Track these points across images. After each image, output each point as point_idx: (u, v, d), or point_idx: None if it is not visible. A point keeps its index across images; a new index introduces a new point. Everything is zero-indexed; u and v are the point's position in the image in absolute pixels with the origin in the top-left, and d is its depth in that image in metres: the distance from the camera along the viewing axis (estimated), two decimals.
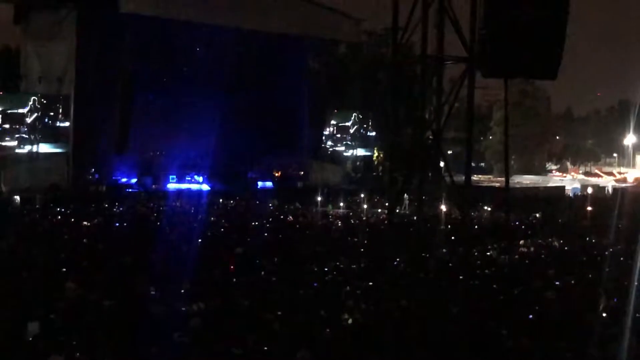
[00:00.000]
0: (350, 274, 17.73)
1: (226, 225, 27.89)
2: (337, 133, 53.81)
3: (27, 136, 39.66)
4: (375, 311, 13.86)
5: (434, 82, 15.85)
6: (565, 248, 24.10)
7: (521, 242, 24.68)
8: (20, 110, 39.62)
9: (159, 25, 42.26)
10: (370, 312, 13.82)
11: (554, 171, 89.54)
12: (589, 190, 56.17)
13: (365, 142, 54.70)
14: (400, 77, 14.58)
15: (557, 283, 16.89)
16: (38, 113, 39.95)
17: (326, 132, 53.53)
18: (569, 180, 73.44)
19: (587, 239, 25.96)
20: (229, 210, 35.03)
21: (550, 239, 25.78)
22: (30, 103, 39.73)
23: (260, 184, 48.28)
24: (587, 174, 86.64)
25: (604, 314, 13.58)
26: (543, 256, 22.13)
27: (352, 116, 53.49)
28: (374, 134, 54.47)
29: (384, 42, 51.84)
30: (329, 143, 53.62)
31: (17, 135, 39.44)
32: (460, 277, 17.24)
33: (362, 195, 38.64)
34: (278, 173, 50.03)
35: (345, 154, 54.43)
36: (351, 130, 53.76)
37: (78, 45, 40.70)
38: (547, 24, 11.68)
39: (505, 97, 13.46)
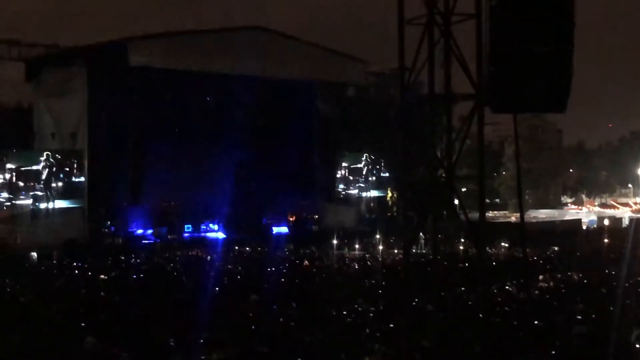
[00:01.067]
0: (369, 316, 17.63)
1: (243, 272, 27.88)
2: (349, 175, 53.88)
3: (42, 193, 39.82)
4: (397, 353, 13.75)
5: (443, 120, 15.89)
6: (585, 281, 23.93)
7: (540, 276, 24.52)
8: (35, 167, 39.88)
9: (169, 76, 42.75)
10: (391, 354, 13.72)
11: (569, 204, 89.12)
12: (606, 222, 55.87)
13: (378, 183, 54.73)
14: (409, 116, 14.63)
15: (579, 317, 16.74)
16: (52, 169, 40.17)
17: (339, 175, 53.58)
18: (585, 213, 73.05)
19: (606, 271, 25.76)
20: (245, 257, 34.98)
21: (569, 273, 25.61)
22: (44, 159, 40.00)
23: (275, 229, 48.25)
24: (602, 205, 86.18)
25: (630, 345, 13.44)
26: (563, 290, 21.97)
27: (363, 157, 53.63)
28: (387, 174, 54.50)
29: (391, 82, 52.09)
30: (342, 185, 53.62)
31: (31, 193, 39.61)
32: (480, 315, 17.10)
33: (378, 236, 38.56)
34: (292, 217, 50.07)
35: (358, 195, 54.36)
36: (363, 172, 53.85)
37: (89, 101, 41.12)
38: (554, 58, 11.72)
39: (515, 132, 13.50)
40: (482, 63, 12.87)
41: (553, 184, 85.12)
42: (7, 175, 39.23)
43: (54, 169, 40.36)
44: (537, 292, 21.50)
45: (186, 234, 44.99)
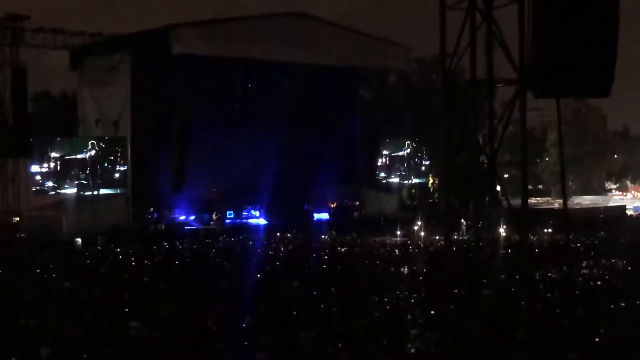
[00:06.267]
0: (411, 302, 17.63)
1: (284, 258, 28.01)
2: (391, 162, 53.58)
3: (86, 182, 40.01)
4: (439, 340, 13.74)
5: (485, 105, 15.77)
6: (629, 268, 23.66)
7: (584, 263, 24.29)
8: (80, 156, 40.10)
9: (211, 63, 42.86)
10: (434, 340, 13.72)
11: (613, 190, 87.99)
12: None
13: (419, 170, 54.36)
14: (451, 102, 14.55)
15: (623, 304, 16.58)
16: (97, 157, 40.34)
17: (380, 163, 53.31)
18: (630, 199, 72.11)
19: None
20: (287, 243, 35.12)
21: (613, 260, 25.33)
22: (89, 148, 40.20)
23: (316, 215, 48.32)
24: None
25: None
26: (607, 277, 21.74)
27: (405, 144, 53.30)
28: (428, 162, 54.10)
29: (433, 68, 51.78)
30: (383, 173, 53.31)
31: (76, 182, 39.86)
32: (523, 302, 17.00)
33: (419, 223, 38.45)
34: (333, 204, 50.06)
35: (400, 182, 54.02)
36: (405, 159, 53.46)
37: (133, 88, 41.34)
38: (597, 42, 11.56)
39: (558, 117, 13.31)
40: (524, 48, 12.75)
41: (597, 169, 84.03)
42: (52, 164, 39.49)
43: (99, 156, 40.58)
44: (580, 279, 21.31)
45: (228, 220, 45.22)
